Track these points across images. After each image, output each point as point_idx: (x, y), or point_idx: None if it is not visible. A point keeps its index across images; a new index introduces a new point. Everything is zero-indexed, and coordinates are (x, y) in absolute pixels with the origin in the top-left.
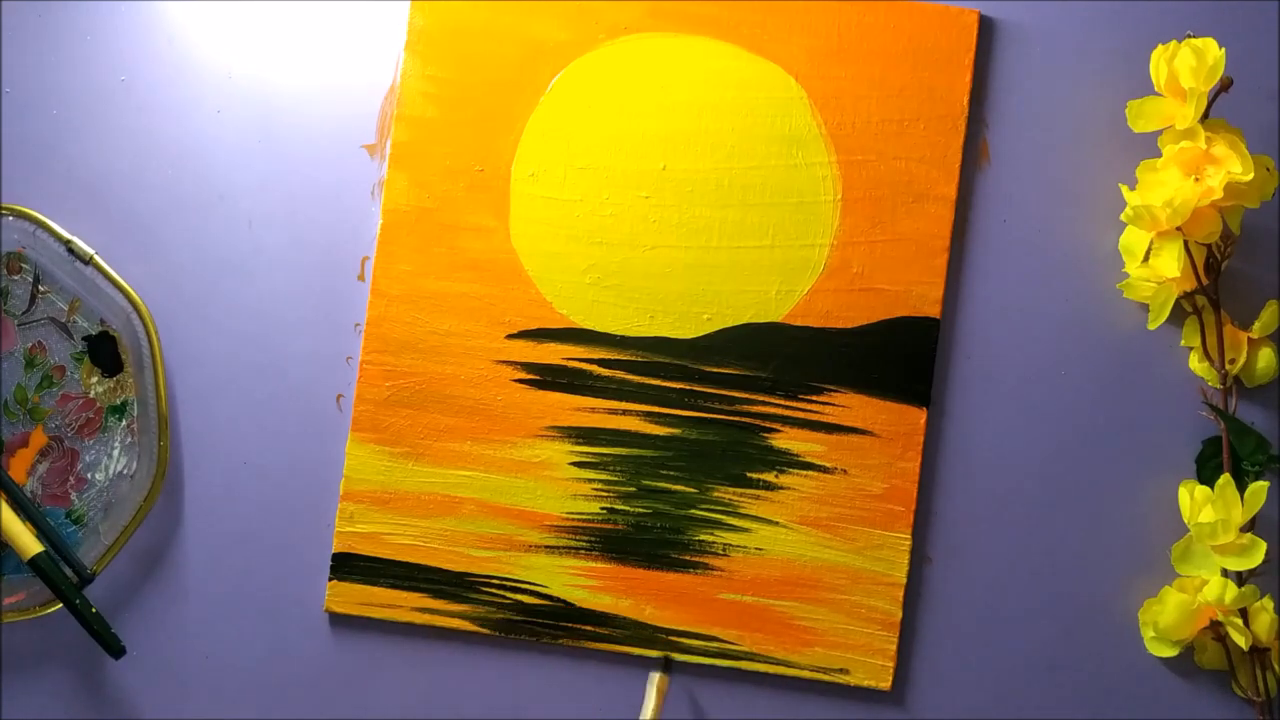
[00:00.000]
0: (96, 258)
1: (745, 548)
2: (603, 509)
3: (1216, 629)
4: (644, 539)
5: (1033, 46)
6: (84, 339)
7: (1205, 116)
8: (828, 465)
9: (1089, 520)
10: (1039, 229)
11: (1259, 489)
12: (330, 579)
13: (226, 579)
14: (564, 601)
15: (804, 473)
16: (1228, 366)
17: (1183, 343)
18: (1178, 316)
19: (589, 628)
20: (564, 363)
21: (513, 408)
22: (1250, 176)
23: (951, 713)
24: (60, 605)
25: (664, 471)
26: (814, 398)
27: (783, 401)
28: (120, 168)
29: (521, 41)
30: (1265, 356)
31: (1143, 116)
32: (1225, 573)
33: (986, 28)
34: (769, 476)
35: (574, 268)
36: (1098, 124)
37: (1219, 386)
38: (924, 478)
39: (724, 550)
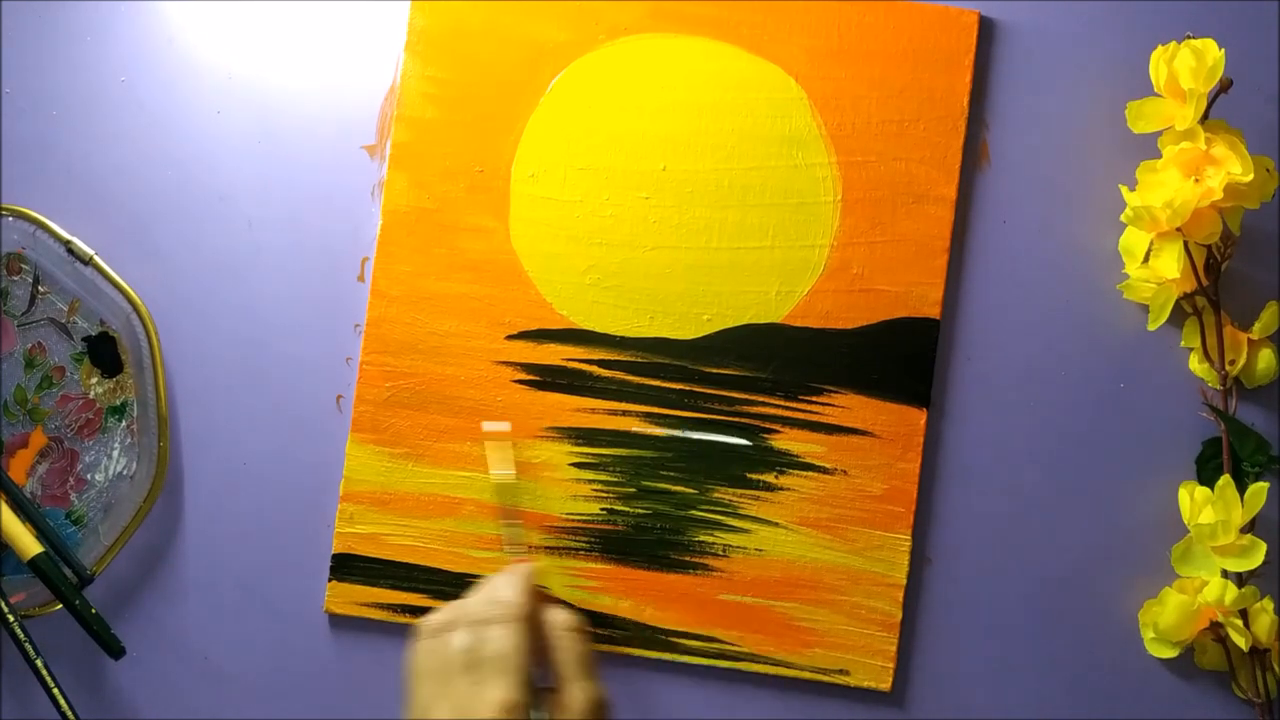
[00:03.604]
0: (96, 258)
1: (745, 549)
2: (602, 510)
3: (1216, 630)
4: (644, 540)
5: (1033, 47)
6: (84, 340)
7: (1205, 117)
8: (828, 466)
9: (1089, 521)
10: (1039, 230)
11: (1259, 490)
12: (330, 579)
13: (226, 579)
14: (564, 602)
15: (804, 473)
16: (1228, 367)
17: (1183, 344)
18: (1178, 317)
19: (588, 628)
20: (564, 363)
21: (513, 408)
22: (1250, 177)
23: (951, 713)
24: (60, 605)
25: (664, 472)
26: (814, 398)
27: (782, 402)
28: (120, 168)
29: (521, 42)
30: (1265, 357)
31: (1142, 117)
32: (1225, 574)
33: (986, 28)
34: (769, 477)
35: (574, 268)
36: (1098, 125)
37: (1219, 387)
38: (924, 478)
39: (724, 551)
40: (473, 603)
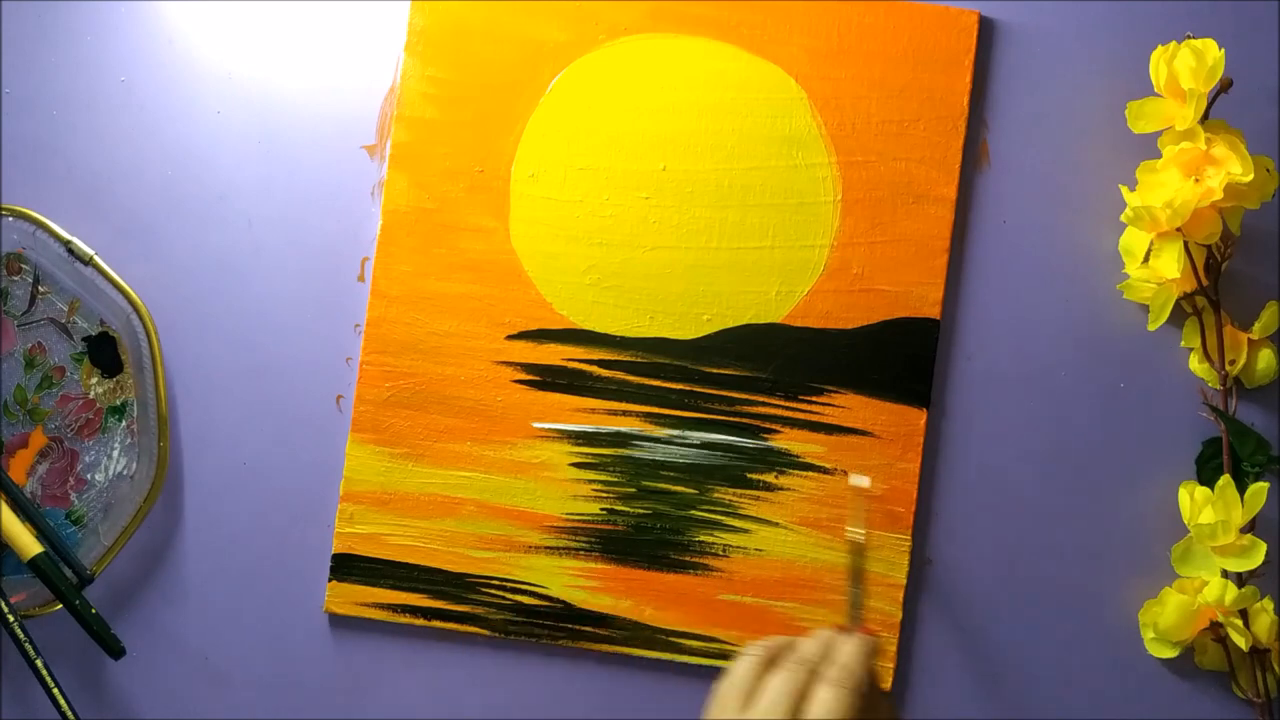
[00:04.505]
0: (96, 258)
1: (745, 548)
2: (602, 510)
3: (1216, 630)
4: (644, 540)
5: (1033, 47)
6: (84, 340)
7: (1205, 117)
8: (828, 466)
9: (1089, 521)
10: (1039, 230)
11: (1259, 490)
12: (330, 580)
13: (226, 579)
14: (564, 602)
15: (804, 473)
16: (1228, 367)
17: (1183, 344)
18: (1178, 317)
19: (589, 628)
20: (564, 363)
21: (512, 408)
22: (1250, 177)
23: (951, 713)
24: (60, 606)
25: (664, 472)
26: (814, 398)
27: (782, 402)
28: (120, 168)
29: (521, 42)
30: (1265, 357)
31: (1143, 117)
32: (1225, 574)
33: (986, 28)
34: (769, 477)
35: (574, 268)
36: (1098, 125)
37: (1219, 387)
38: (924, 479)
39: (724, 551)
40: (809, 648)
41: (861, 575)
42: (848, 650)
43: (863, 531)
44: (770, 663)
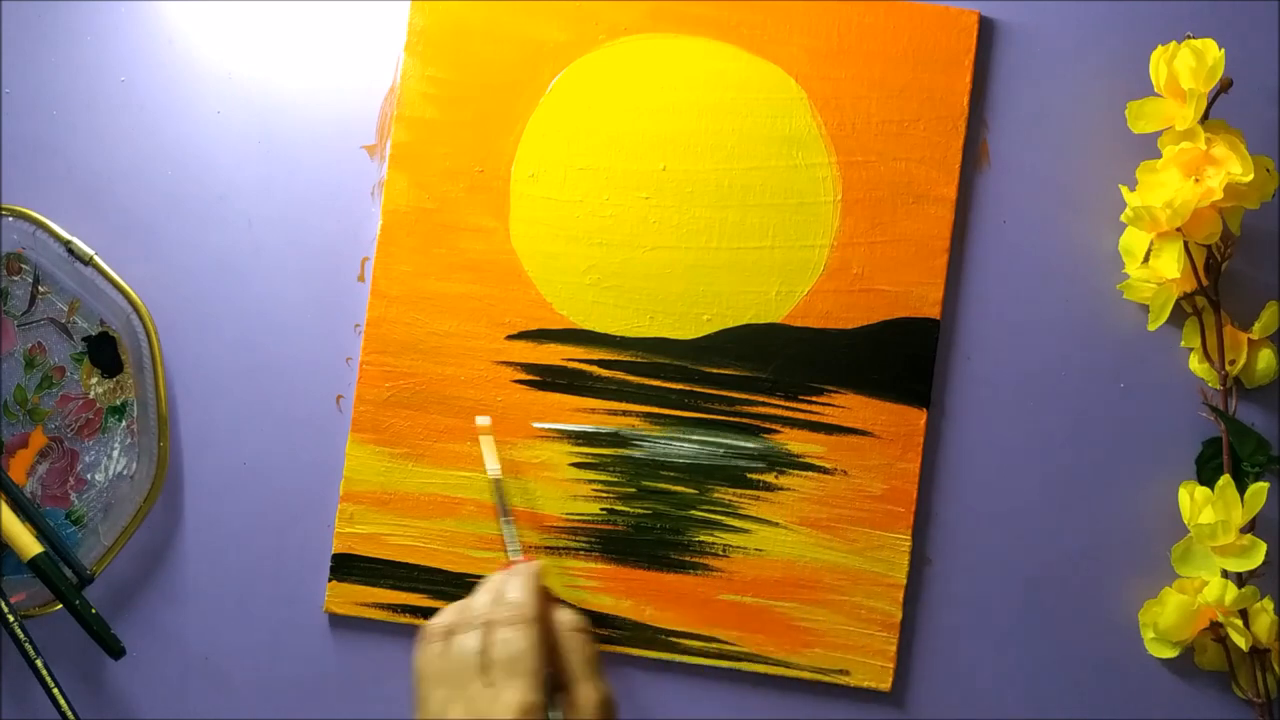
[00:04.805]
0: (96, 258)
1: (745, 549)
2: (602, 510)
3: (1216, 630)
4: (644, 540)
5: (1033, 47)
6: (84, 340)
7: (1205, 117)
8: (828, 466)
9: (1089, 521)
10: (1039, 230)
11: (1259, 490)
12: (330, 580)
13: (226, 579)
14: (564, 602)
15: (804, 474)
16: (1228, 367)
17: (1183, 344)
18: (1178, 317)
19: (593, 628)
20: (564, 363)
21: (512, 408)
22: (1250, 177)
23: (951, 713)
24: (60, 605)
25: (664, 473)
26: (814, 398)
27: (782, 402)
28: (120, 168)
29: (521, 42)
30: (1265, 357)
31: (1142, 117)
32: (1225, 574)
33: (986, 28)
34: (769, 477)
35: (574, 268)
36: (1098, 125)
37: (1219, 387)
38: (924, 479)
39: (724, 551)
40: (479, 603)
41: (507, 509)
42: (513, 585)
43: (498, 467)
44: (449, 634)
